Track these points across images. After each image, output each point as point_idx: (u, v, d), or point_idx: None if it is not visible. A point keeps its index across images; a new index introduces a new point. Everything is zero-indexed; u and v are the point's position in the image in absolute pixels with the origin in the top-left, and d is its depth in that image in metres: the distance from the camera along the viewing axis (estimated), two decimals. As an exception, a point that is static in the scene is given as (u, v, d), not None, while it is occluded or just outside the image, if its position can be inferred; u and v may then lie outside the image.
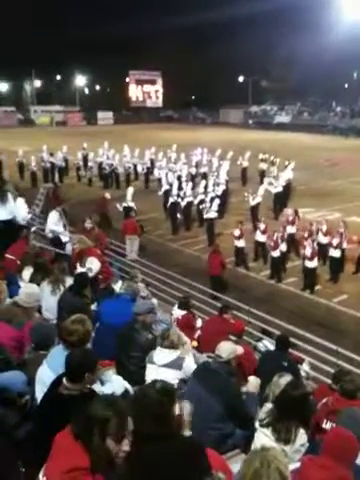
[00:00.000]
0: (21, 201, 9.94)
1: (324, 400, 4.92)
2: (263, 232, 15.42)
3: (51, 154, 29.30)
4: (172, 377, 4.76)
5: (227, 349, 4.84)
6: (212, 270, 13.55)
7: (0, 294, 5.69)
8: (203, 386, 4.57)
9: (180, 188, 20.12)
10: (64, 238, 10.59)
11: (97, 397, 2.77)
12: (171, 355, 4.94)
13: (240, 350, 5.04)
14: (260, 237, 15.55)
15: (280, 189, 21.20)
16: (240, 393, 5.09)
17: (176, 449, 2.91)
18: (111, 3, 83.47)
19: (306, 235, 14.44)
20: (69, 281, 6.93)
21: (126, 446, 2.53)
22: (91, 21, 78.04)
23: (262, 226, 15.59)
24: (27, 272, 7.58)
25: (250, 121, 74.75)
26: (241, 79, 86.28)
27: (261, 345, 8.22)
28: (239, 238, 15.30)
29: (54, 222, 10.87)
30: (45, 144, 30.44)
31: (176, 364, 4.89)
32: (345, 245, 14.39)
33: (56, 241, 10.67)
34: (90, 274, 7.52)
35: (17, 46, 71.62)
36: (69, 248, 10.42)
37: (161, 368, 4.87)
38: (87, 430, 2.51)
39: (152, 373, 4.87)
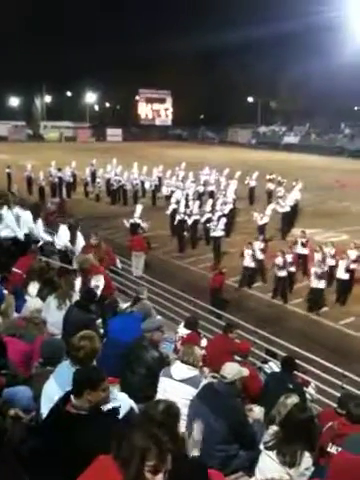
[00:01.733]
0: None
1: (330, 424, 4.85)
2: (262, 251, 15.50)
3: (59, 169, 29.52)
4: (188, 394, 4.74)
5: (232, 370, 4.78)
6: (212, 289, 13.67)
7: (8, 308, 5.70)
8: (207, 407, 4.52)
9: (187, 206, 20.20)
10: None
11: (141, 425, 2.76)
12: (191, 372, 4.92)
13: (246, 372, 4.99)
14: (259, 256, 15.58)
15: (288, 209, 21.22)
16: (245, 414, 5.04)
17: (180, 470, 2.88)
18: (123, 23, 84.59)
19: (317, 257, 14.40)
20: (76, 296, 6.94)
21: None
22: (102, 39, 79.11)
23: (262, 245, 15.66)
24: (33, 286, 7.58)
25: (253, 141, 75.03)
26: (250, 99, 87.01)
27: (267, 367, 8.15)
28: (249, 257, 15.31)
29: (68, 237, 10.88)
30: (54, 159, 30.68)
31: (194, 382, 4.86)
32: (354, 266, 14.33)
33: (64, 256, 10.65)
34: (97, 291, 7.51)
35: (28, 62, 72.51)
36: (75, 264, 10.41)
37: (178, 383, 4.84)
38: (127, 457, 2.54)
39: (167, 387, 4.85)
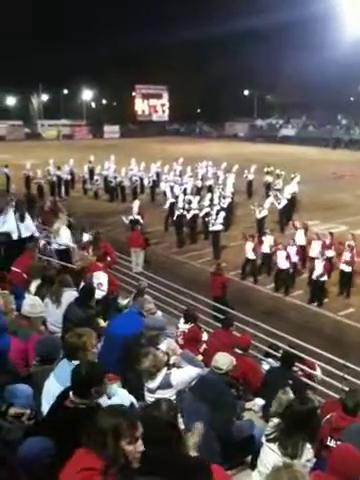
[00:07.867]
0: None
1: (327, 416, 4.86)
2: (270, 244, 15.45)
3: (58, 167, 29.40)
4: (168, 396, 4.72)
5: (226, 361, 4.95)
6: (213, 291, 13.00)
7: (8, 306, 5.67)
8: (202, 400, 4.54)
9: (186, 201, 20.17)
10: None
11: (102, 409, 2.79)
12: (158, 378, 4.87)
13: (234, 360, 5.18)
14: (266, 249, 15.55)
15: (285, 202, 21.19)
16: (234, 404, 5.05)
17: (184, 470, 2.89)
18: (117, 18, 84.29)
19: (318, 249, 14.36)
20: (68, 293, 6.91)
21: (141, 447, 2.61)
22: (97, 36, 78.82)
23: (270, 238, 15.62)
24: (35, 284, 7.56)
25: (241, 133, 74.62)
26: (246, 93, 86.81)
27: (270, 361, 8.12)
28: (253, 250, 15.26)
29: (69, 237, 10.94)
30: (52, 157, 30.59)
31: (166, 384, 4.84)
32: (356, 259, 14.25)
33: (63, 255, 10.67)
34: (102, 288, 7.49)
35: (25, 60, 72.22)
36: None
37: (156, 392, 4.83)
38: (100, 441, 2.59)
39: (149, 399, 4.85)
